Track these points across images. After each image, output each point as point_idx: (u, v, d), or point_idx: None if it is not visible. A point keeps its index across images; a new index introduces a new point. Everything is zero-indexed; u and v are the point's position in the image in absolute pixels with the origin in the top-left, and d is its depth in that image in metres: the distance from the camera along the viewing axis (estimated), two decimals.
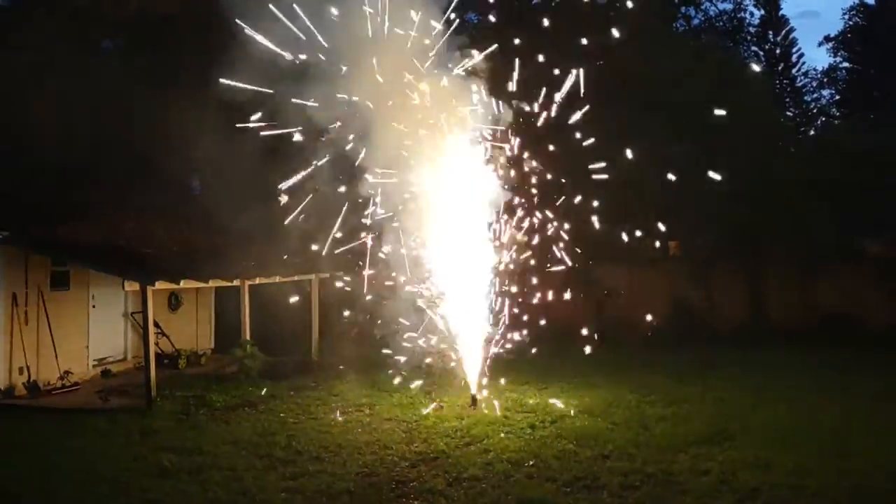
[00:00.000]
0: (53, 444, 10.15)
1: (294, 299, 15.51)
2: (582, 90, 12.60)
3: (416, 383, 13.11)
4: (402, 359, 13.18)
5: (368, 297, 13.25)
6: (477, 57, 12.35)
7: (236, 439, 10.42)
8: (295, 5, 11.22)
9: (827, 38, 34.41)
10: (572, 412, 11.65)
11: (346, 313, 14.57)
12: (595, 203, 13.52)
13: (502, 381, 13.20)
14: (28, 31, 17.28)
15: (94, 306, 15.16)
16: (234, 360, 14.83)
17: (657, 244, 17.43)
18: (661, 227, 15.76)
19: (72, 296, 14.65)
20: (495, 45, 12.52)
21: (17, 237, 13.21)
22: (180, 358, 16.07)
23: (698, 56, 22.59)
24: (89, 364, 14.97)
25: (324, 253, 13.12)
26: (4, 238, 13.02)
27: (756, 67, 28.71)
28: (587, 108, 12.93)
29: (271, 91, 11.48)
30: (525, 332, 13.40)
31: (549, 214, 13.21)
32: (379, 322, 13.37)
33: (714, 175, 14.09)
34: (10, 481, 8.66)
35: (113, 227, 15.05)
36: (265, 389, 13.39)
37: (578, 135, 13.18)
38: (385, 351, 13.45)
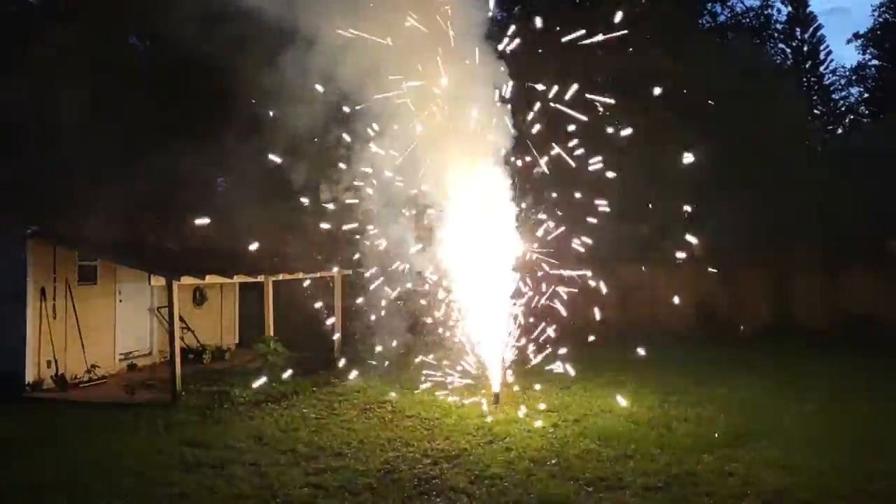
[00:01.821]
0: (80, 437, 10.28)
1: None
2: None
3: (438, 381, 13.12)
4: (424, 356, 13.23)
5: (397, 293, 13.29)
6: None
7: (260, 434, 10.50)
8: None
9: (856, 35, 33.94)
10: (596, 411, 11.64)
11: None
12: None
13: (525, 379, 13.17)
14: (58, 27, 17.52)
15: (120, 301, 15.33)
16: (258, 355, 14.93)
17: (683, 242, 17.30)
18: (686, 226, 15.67)
19: (99, 290, 14.82)
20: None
21: (46, 232, 13.39)
22: (205, 353, 16.21)
23: (724, 54, 22.44)
24: (116, 358, 15.14)
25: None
26: (33, 232, 13.21)
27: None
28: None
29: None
30: (548, 331, 13.37)
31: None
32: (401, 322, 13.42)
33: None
34: (38, 473, 8.77)
35: (140, 223, 15.21)
36: (288, 385, 13.52)
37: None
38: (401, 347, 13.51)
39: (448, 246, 12.64)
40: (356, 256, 14.15)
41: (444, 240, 12.62)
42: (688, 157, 13.63)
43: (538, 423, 10.98)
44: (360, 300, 13.93)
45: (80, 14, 17.20)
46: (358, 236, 13.28)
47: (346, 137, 12.61)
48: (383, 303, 13.55)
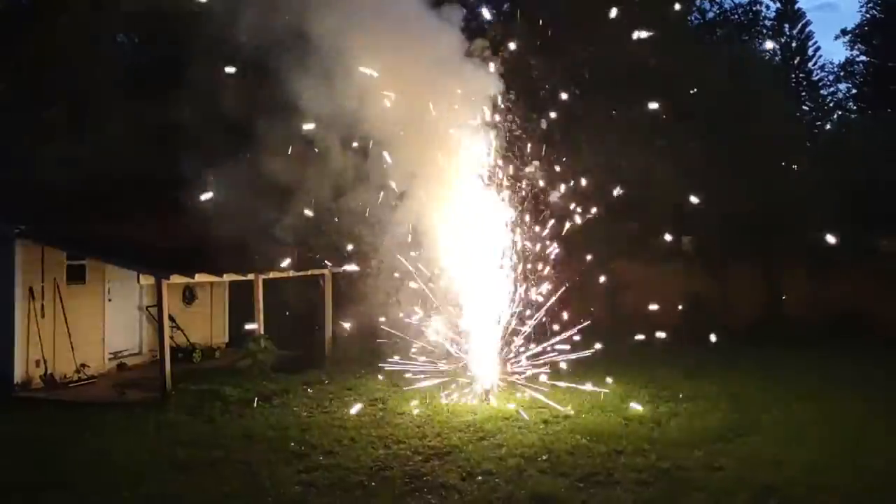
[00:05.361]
0: (70, 437, 10.22)
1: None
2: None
3: (429, 378, 13.09)
4: (414, 353, 13.22)
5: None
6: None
7: (250, 433, 10.47)
8: None
9: (844, 32, 34.03)
10: (587, 407, 11.66)
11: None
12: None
13: (515, 375, 13.17)
14: (45, 25, 17.41)
15: (109, 300, 15.24)
16: (248, 354, 14.87)
17: (670, 240, 17.33)
18: (674, 222, 15.74)
19: (88, 289, 14.73)
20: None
21: (34, 231, 13.29)
22: (195, 352, 16.14)
23: (712, 50, 22.49)
24: (105, 357, 15.04)
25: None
26: (21, 232, 13.11)
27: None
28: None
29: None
30: (539, 326, 13.38)
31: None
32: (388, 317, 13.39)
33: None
34: (27, 474, 8.72)
35: (128, 222, 15.11)
36: (279, 384, 13.49)
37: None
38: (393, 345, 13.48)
39: (439, 236, 12.68)
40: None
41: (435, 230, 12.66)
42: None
43: (528, 419, 11.02)
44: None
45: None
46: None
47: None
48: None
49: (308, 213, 13.01)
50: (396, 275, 13.03)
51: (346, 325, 14.99)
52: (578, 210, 13.76)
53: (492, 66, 12.66)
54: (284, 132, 12.37)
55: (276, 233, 13.28)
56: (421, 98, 12.02)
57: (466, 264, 12.65)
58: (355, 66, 11.63)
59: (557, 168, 13.67)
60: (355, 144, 12.48)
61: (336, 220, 13.20)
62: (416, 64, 11.77)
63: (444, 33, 12.14)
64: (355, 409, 11.57)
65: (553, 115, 13.50)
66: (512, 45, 13.07)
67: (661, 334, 13.66)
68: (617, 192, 14.33)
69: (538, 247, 13.46)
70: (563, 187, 13.54)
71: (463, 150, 12.51)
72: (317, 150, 12.42)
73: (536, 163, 13.09)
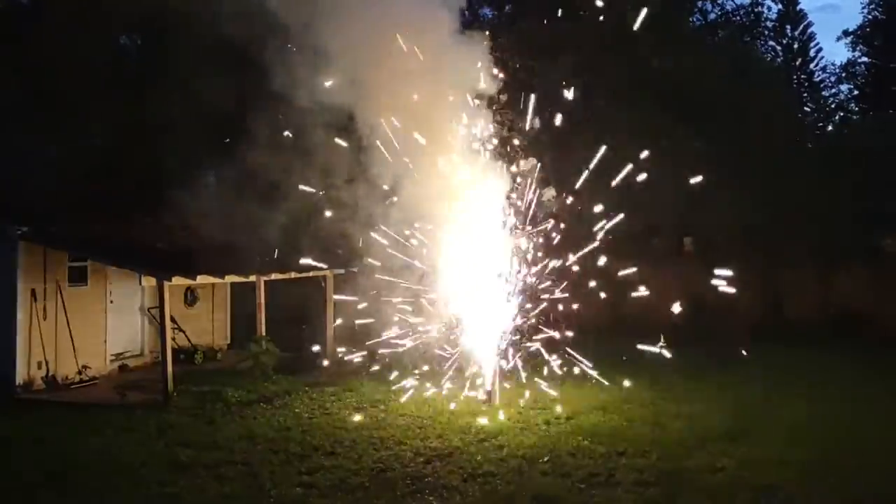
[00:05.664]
0: (71, 439, 10.23)
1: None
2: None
3: (431, 379, 13.09)
4: (416, 355, 13.22)
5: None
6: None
7: (252, 434, 10.47)
8: None
9: (846, 33, 33.97)
10: (588, 409, 11.66)
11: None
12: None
13: (518, 377, 13.16)
14: (46, 27, 17.45)
15: (111, 301, 15.26)
16: (250, 355, 14.89)
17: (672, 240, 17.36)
18: (676, 224, 15.73)
19: (90, 291, 14.75)
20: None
21: (36, 233, 13.32)
22: (196, 353, 16.15)
23: (714, 51, 22.50)
24: (107, 359, 15.07)
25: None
26: (23, 234, 13.14)
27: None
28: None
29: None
30: (540, 327, 13.37)
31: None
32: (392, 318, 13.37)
33: None
34: (28, 475, 8.73)
35: (130, 224, 15.15)
36: (280, 385, 13.51)
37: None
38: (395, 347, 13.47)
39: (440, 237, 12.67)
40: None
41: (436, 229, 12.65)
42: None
43: (529, 420, 11.02)
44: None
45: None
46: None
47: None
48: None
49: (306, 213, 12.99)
50: (394, 275, 13.02)
51: (348, 326, 14.96)
52: (578, 208, 13.74)
53: (487, 60, 12.64)
54: (279, 129, 12.39)
55: (274, 233, 13.28)
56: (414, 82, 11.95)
57: (466, 263, 12.63)
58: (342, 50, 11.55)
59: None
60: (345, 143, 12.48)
61: (334, 220, 13.19)
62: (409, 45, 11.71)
63: (440, 15, 12.06)
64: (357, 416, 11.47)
65: (550, 114, 13.45)
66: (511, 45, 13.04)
67: (661, 336, 13.64)
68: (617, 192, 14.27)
69: (537, 247, 13.43)
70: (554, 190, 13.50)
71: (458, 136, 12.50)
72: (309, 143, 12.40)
73: (533, 160, 13.03)
